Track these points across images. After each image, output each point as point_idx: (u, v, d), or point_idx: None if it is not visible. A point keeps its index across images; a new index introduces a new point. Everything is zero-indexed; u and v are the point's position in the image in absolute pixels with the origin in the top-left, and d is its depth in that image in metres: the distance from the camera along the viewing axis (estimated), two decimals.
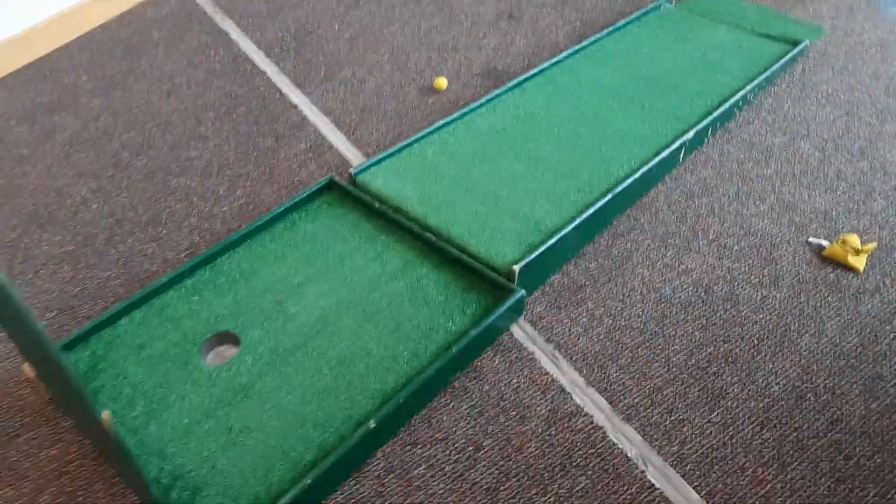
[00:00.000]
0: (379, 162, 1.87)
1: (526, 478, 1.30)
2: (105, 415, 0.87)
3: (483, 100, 2.08)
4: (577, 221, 1.64)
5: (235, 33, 2.59)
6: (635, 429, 1.37)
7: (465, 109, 2.04)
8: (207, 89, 2.32)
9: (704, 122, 1.96)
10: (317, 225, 1.76)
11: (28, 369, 1.43)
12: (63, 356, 0.82)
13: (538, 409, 1.41)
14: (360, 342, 1.49)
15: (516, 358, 1.50)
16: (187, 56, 2.48)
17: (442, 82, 2.25)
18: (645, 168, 1.80)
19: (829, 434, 1.36)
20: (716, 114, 1.99)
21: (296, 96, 2.28)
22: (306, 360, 1.46)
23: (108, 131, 2.16)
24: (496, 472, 1.31)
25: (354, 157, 2.03)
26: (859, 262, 1.64)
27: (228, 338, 1.52)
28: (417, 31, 2.57)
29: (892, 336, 1.51)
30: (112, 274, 1.72)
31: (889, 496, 1.26)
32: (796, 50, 2.28)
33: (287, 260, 1.68)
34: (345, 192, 1.83)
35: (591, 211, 1.67)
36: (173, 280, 1.61)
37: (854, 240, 1.67)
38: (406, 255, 1.67)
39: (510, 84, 2.15)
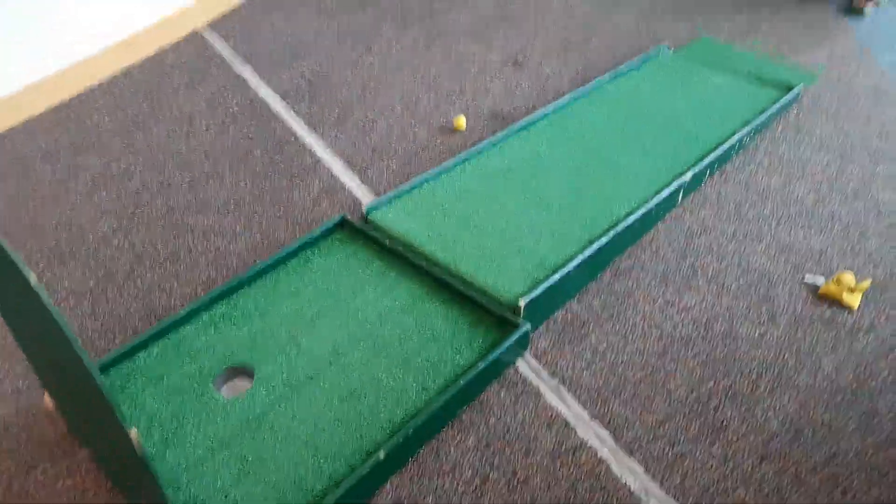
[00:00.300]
0: (390, 200, 1.95)
1: None
2: (133, 432, 0.92)
3: (490, 141, 2.16)
4: (581, 258, 1.70)
5: (253, 79, 2.70)
6: (638, 462, 1.40)
7: (472, 150, 2.12)
8: (225, 132, 2.41)
9: (702, 164, 2.03)
10: (329, 261, 1.83)
11: (48, 400, 1.48)
12: (94, 368, 0.87)
13: (543, 442, 1.45)
14: (370, 374, 1.54)
15: (522, 391, 1.54)
16: (206, 100, 2.58)
17: (461, 122, 2.34)
18: (645, 208, 1.86)
19: (827, 468, 1.39)
20: (713, 156, 2.07)
21: (310, 139, 2.37)
22: (318, 392, 1.51)
23: (129, 171, 2.25)
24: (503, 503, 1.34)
25: (366, 197, 2.10)
26: (854, 300, 1.69)
27: (243, 370, 1.57)
28: (427, 76, 2.67)
29: (886, 372, 1.56)
30: (131, 308, 1.78)
31: None
32: (790, 95, 2.37)
33: (300, 295, 1.74)
34: (356, 230, 1.89)
35: (593, 248, 1.73)
36: (191, 314, 1.67)
37: (849, 278, 1.72)
38: (415, 291, 1.73)
39: (516, 126, 2.23)
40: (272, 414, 1.47)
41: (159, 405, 1.48)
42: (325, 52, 2.86)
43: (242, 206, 2.10)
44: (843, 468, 1.38)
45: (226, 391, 1.54)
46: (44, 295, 0.87)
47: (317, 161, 2.27)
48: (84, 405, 1.10)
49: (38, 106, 2.57)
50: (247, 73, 2.75)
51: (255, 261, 1.90)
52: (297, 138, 2.38)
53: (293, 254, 1.84)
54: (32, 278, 0.87)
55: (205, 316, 1.69)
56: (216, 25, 3.09)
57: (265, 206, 2.09)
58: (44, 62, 2.56)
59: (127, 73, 2.76)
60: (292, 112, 2.51)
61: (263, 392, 1.51)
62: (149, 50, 2.87)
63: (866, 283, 1.71)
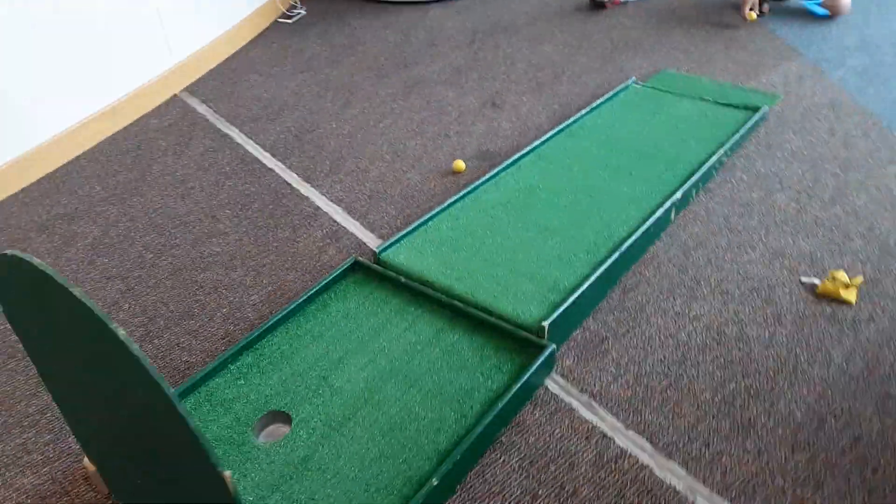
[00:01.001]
0: (399, 240, 2.00)
1: None
2: (227, 474, 0.93)
3: (485, 178, 2.25)
4: (593, 278, 1.78)
5: (239, 138, 2.75)
6: (678, 464, 1.46)
7: (470, 187, 2.20)
8: (220, 189, 2.44)
9: (689, 183, 2.15)
10: (347, 303, 1.86)
11: (88, 464, 1.46)
12: (188, 414, 0.89)
13: (584, 455, 1.49)
14: (406, 407, 1.57)
15: (555, 409, 1.59)
16: (196, 160, 2.61)
17: (460, 164, 2.42)
18: (644, 226, 1.96)
19: (854, 450, 1.46)
20: (698, 175, 2.19)
21: (305, 189, 2.42)
22: (358, 429, 1.53)
23: (129, 235, 2.26)
24: None
25: (370, 239, 2.15)
26: (851, 295, 1.80)
27: (280, 416, 1.57)
28: (410, 123, 2.77)
29: (892, 358, 1.65)
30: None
31: None
32: (758, 115, 2.53)
33: (324, 338, 1.76)
34: (370, 271, 1.94)
35: (603, 268, 1.81)
36: (218, 367, 1.68)
37: (842, 275, 1.83)
38: (437, 324, 1.77)
39: (506, 162, 2.33)
40: (317, 455, 1.48)
41: None
42: (306, 107, 2.93)
43: (249, 259, 2.12)
44: (869, 449, 1.46)
45: (265, 437, 1.54)
46: (133, 347, 0.89)
47: (316, 210, 2.31)
48: (150, 459, 1.11)
49: (26, 178, 2.56)
50: (232, 132, 2.80)
51: (270, 311, 1.92)
52: (293, 190, 2.42)
53: (310, 300, 1.87)
54: (121, 332, 0.89)
55: (232, 367, 1.69)
56: (194, 89, 3.14)
57: (272, 258, 2.12)
58: (26, 135, 2.57)
59: (112, 141, 2.78)
60: (284, 166, 2.56)
61: (304, 434, 1.52)
62: (131, 117, 2.90)
63: (860, 279, 1.83)
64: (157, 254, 2.17)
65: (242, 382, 1.66)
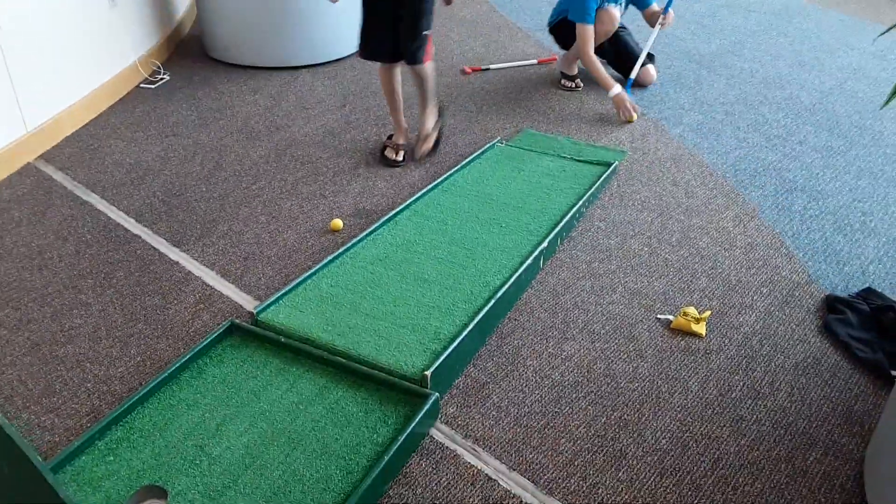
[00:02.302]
0: (277, 300, 1.99)
1: None
2: None
3: (363, 235, 2.29)
4: (472, 326, 1.84)
5: (101, 204, 2.63)
6: (559, 500, 1.52)
7: (349, 244, 2.23)
8: (81, 259, 2.32)
9: (554, 233, 2.30)
10: (224, 368, 1.81)
11: None
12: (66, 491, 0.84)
13: (471, 501, 1.51)
14: (290, 469, 1.53)
15: (441, 457, 1.61)
16: (53, 230, 2.47)
17: (338, 223, 2.44)
18: (516, 275, 2.06)
19: (716, 472, 1.59)
20: (561, 225, 2.35)
21: (175, 254, 2.34)
22: (240, 498, 1.48)
23: None
24: None
25: (247, 302, 2.11)
26: (701, 328, 1.97)
27: (155, 490, 1.49)
28: (284, 184, 2.77)
29: (741, 384, 1.82)
30: None
31: None
32: (610, 170, 2.75)
33: (200, 406, 1.70)
34: (247, 333, 1.90)
35: (480, 316, 1.88)
36: (84, 444, 1.57)
37: (692, 311, 2.01)
38: (320, 381, 1.76)
39: (383, 219, 2.38)
40: None
41: None
42: (174, 171, 2.87)
43: (115, 330, 2.02)
44: (728, 469, 1.59)
45: None
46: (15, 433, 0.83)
47: (187, 275, 2.25)
48: None
49: None
50: (93, 199, 2.67)
51: (140, 382, 1.83)
52: (161, 256, 2.34)
53: (184, 367, 1.80)
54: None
55: (100, 443, 1.59)
56: (50, 157, 2.98)
57: (140, 327, 2.03)
58: None
59: None
60: (151, 231, 2.48)
61: None
62: None
63: (708, 313, 2.01)
64: (12, 330, 2.02)
65: (112, 459, 1.56)
